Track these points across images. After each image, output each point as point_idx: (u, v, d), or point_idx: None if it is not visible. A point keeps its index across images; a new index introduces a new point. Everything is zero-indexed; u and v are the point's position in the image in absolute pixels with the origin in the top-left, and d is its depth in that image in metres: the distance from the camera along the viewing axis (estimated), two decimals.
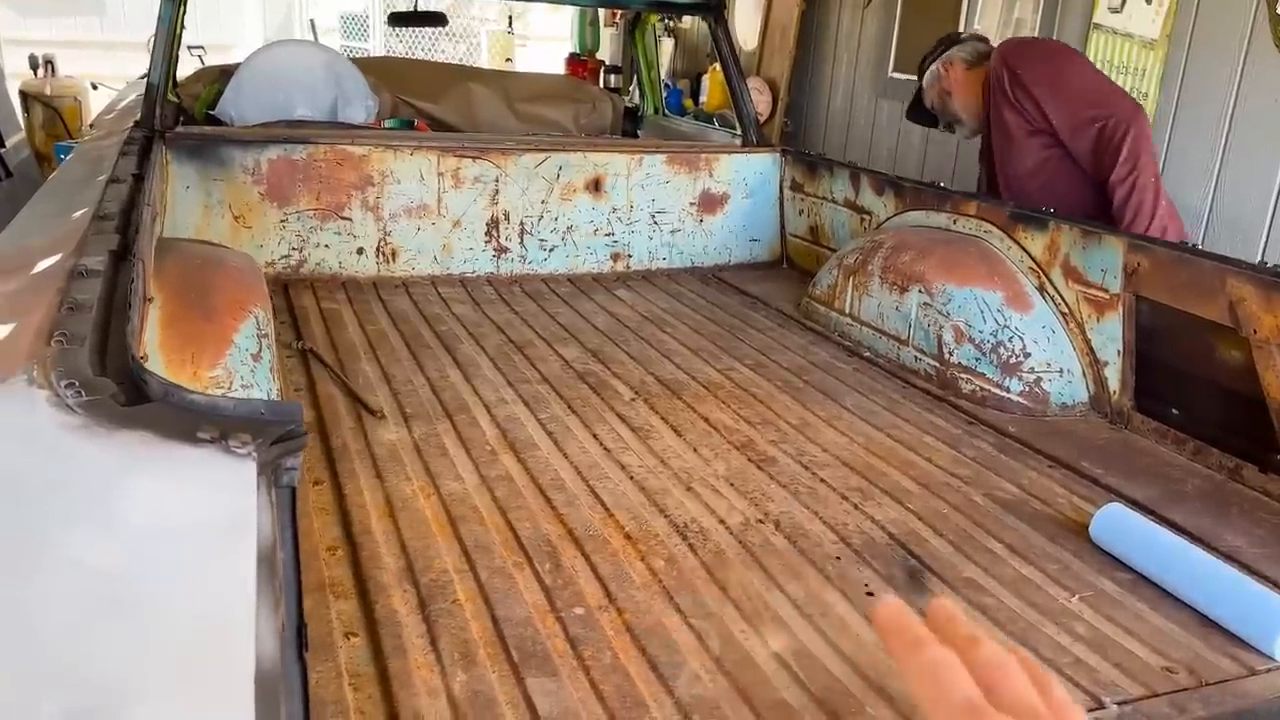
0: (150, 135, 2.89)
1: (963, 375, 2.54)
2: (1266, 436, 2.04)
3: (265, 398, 1.90)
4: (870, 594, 1.63)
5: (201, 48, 8.31)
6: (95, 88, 7.16)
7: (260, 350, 1.94)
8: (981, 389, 2.50)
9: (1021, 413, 2.44)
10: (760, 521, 1.83)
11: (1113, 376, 2.41)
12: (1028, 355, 2.48)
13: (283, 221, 3.13)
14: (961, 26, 5.04)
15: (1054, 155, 2.96)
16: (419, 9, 6.82)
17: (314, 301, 2.98)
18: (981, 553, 1.78)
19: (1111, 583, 1.70)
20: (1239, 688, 1.42)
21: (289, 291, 3.06)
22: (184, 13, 3.35)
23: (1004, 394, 2.47)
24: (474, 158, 3.28)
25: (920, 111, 3.41)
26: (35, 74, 7.43)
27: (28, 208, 2.22)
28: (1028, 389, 2.46)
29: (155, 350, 1.78)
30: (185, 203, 3.00)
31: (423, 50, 12.54)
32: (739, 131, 3.96)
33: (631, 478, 1.97)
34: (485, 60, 11.68)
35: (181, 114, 4.41)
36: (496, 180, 3.32)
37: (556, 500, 1.85)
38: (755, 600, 1.58)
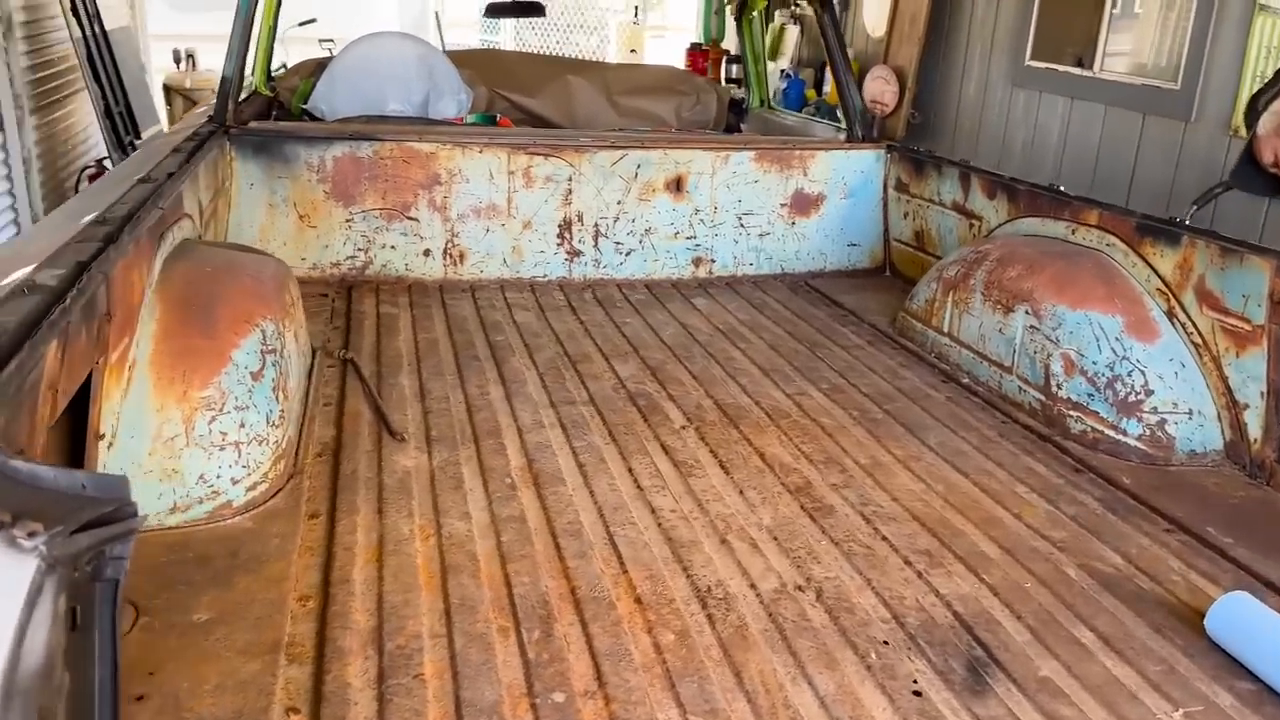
0: (213, 132, 2.82)
1: (1072, 413, 2.20)
2: None
3: (262, 420, 1.75)
4: (918, 693, 1.35)
5: (331, 40, 8.45)
6: None
7: (263, 368, 1.79)
8: (1093, 430, 2.15)
9: (1140, 460, 2.08)
10: (800, 589, 1.58)
11: (1253, 422, 2.02)
12: (1150, 393, 2.11)
13: (348, 221, 3.02)
14: (1107, 13, 4.54)
15: None
16: None
17: (374, 306, 2.86)
18: (1066, 644, 1.47)
19: (1229, 695, 1.38)
20: None
21: (352, 294, 2.95)
22: (274, 3, 3.28)
23: (1119, 437, 2.12)
24: (546, 155, 3.10)
25: (1253, 174, 2.46)
26: (178, 67, 7.71)
27: (60, 209, 2.15)
28: (1148, 433, 2.10)
29: (145, 367, 1.66)
30: (249, 201, 2.93)
31: (555, 43, 12.50)
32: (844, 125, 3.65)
33: (659, 524, 1.74)
34: (613, 52, 11.53)
35: (279, 107, 4.40)
36: (570, 179, 3.13)
37: (567, 550, 1.64)
38: (774, 694, 1.33)
